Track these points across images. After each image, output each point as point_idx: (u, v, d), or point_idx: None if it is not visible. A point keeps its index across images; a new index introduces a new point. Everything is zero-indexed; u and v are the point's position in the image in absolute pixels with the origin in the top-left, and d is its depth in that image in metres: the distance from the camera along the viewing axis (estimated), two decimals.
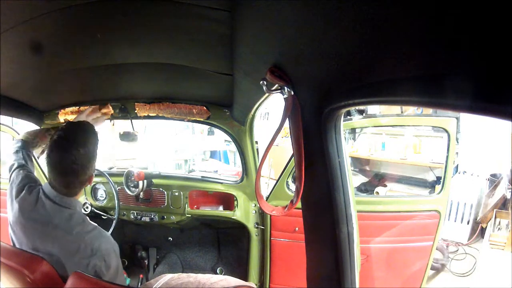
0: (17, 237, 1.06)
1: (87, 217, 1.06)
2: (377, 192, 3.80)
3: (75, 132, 1.04)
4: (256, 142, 1.76)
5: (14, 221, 1.05)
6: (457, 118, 1.74)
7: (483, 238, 2.91)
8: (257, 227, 1.81)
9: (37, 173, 1.89)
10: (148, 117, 1.68)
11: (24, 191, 1.06)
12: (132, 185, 1.83)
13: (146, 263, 1.98)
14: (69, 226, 1.00)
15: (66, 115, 1.69)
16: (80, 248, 0.98)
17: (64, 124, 1.15)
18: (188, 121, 1.71)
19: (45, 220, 1.01)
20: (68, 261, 0.98)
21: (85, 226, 1.02)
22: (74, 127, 1.09)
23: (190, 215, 1.84)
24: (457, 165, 3.50)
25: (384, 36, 0.36)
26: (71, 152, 0.98)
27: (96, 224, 1.05)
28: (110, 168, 2.12)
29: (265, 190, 1.82)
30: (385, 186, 3.97)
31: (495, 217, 2.62)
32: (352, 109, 1.69)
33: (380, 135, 4.10)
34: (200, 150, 4.90)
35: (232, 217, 1.79)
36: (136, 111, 1.66)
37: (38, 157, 1.71)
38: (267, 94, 0.90)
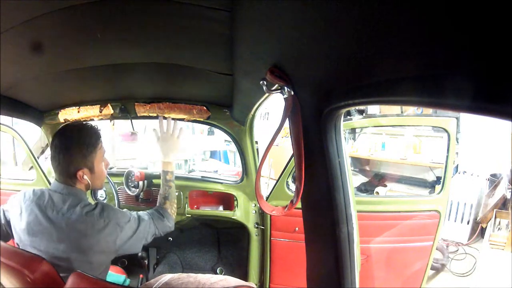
0: (29, 245, 1.09)
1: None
2: (377, 192, 3.80)
3: (76, 129, 1.16)
4: (256, 142, 1.76)
5: (25, 229, 1.08)
6: (457, 118, 1.74)
7: (483, 238, 2.91)
8: (257, 227, 1.81)
9: (37, 174, 1.91)
10: (148, 117, 1.68)
11: (32, 193, 1.12)
12: (132, 185, 1.82)
13: (146, 263, 1.98)
14: (77, 211, 1.07)
15: (66, 115, 1.69)
16: (91, 228, 1.07)
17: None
18: (188, 121, 1.71)
19: (56, 214, 1.07)
20: (82, 254, 1.07)
21: (91, 207, 1.11)
22: (76, 125, 1.21)
23: (190, 215, 1.84)
24: (457, 165, 3.50)
25: (384, 36, 0.36)
26: (64, 142, 1.11)
27: (98, 201, 1.15)
28: (110, 168, 2.11)
29: (265, 190, 1.81)
30: (385, 186, 3.97)
31: (495, 217, 2.62)
32: (352, 109, 1.69)
33: (380, 135, 4.11)
34: (200, 150, 4.89)
35: (232, 217, 1.78)
36: (136, 111, 1.66)
37: (38, 157, 1.72)
38: (267, 94, 0.90)
